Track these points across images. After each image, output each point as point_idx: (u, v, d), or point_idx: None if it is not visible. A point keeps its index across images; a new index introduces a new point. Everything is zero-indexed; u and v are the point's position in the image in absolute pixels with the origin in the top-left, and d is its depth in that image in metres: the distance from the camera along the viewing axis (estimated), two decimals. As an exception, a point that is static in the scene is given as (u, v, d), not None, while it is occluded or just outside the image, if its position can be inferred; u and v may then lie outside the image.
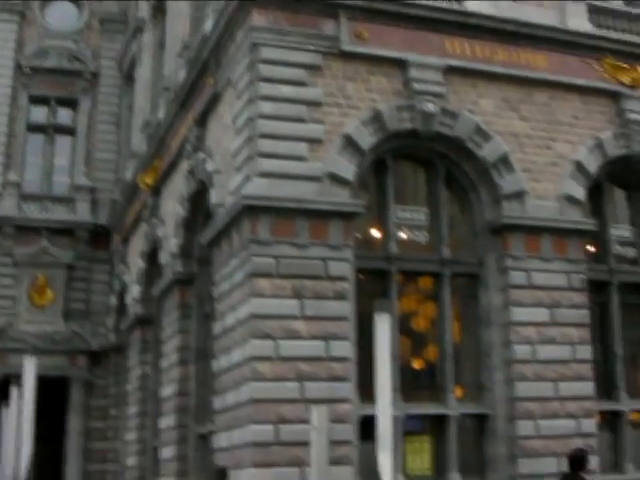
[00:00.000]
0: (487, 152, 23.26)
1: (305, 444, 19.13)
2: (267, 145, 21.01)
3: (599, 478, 22.48)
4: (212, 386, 23.51)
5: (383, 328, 16.43)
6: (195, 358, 26.75)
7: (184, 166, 27.09)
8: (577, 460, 12.40)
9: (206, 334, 25.93)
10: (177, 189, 28.25)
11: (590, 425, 22.98)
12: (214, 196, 23.68)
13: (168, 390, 27.90)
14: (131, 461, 33.45)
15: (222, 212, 22.36)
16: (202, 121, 25.51)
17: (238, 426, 20.53)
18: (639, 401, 25.02)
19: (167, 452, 27.55)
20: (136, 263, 34.34)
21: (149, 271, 32.52)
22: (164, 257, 29.46)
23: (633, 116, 25.25)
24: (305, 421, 19.36)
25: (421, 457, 22.31)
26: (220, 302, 22.52)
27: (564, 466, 21.67)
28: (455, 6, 23.78)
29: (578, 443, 22.19)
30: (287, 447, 19.67)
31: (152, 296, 31.34)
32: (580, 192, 24.22)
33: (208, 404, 24.86)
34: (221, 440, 21.79)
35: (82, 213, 41.03)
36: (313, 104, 21.67)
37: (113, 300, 39.04)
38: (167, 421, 27.79)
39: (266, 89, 21.37)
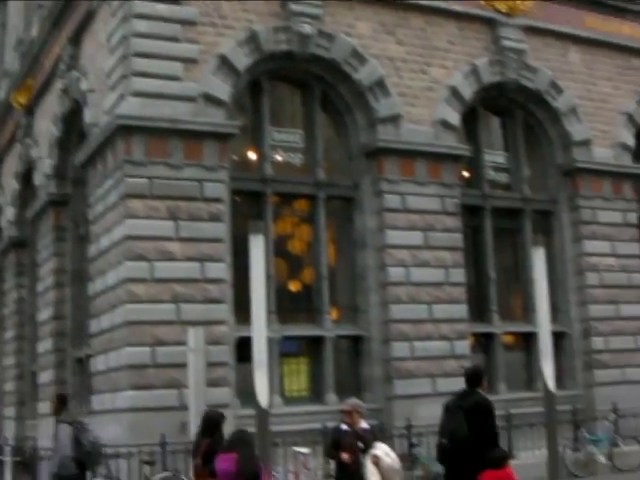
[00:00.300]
0: (363, 75, 23.30)
1: (182, 366, 19.34)
2: (141, 64, 20.66)
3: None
4: (88, 309, 23.31)
5: (257, 249, 16.50)
6: (71, 281, 26.43)
7: (58, 85, 26.44)
8: (474, 377, 12.74)
9: (82, 257, 25.62)
10: (51, 109, 27.61)
11: (464, 347, 23.58)
12: (88, 116, 23.25)
13: (45, 314, 27.56)
14: (9, 386, 33.05)
15: (96, 132, 22.00)
16: (76, 39, 24.85)
17: (114, 349, 20.46)
18: (511, 324, 25.78)
19: (45, 376, 27.28)
20: (10, 184, 33.56)
21: (23, 193, 31.82)
22: (38, 178, 28.89)
23: (508, 43, 25.59)
24: (181, 343, 19.51)
25: (298, 378, 22.62)
26: (95, 224, 22.26)
27: (439, 387, 22.42)
28: None
29: (452, 364, 22.88)
30: (163, 369, 19.73)
31: (27, 218, 30.79)
32: (455, 117, 24.52)
33: (85, 327, 24.63)
34: (98, 363, 21.69)
35: (-46, 134, 39.71)
36: (188, 23, 21.34)
37: (-13, 223, 38.19)
38: (44, 345, 27.48)
39: (140, 7, 20.94)
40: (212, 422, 11.02)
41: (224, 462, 10.00)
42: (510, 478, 11.08)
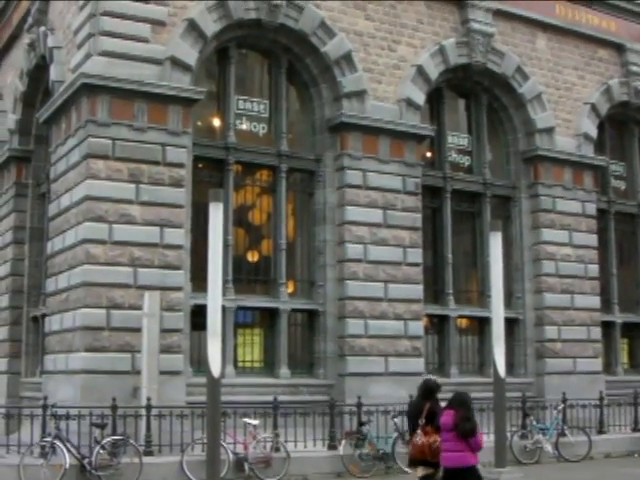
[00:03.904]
0: (330, 48, 23.20)
1: (136, 330, 19.32)
2: (109, 23, 20.44)
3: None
4: (46, 268, 23.20)
5: (217, 217, 16.44)
6: (30, 239, 26.20)
7: (25, 40, 26.05)
8: None
9: (42, 215, 25.58)
10: (17, 63, 27.29)
11: (418, 328, 23.68)
12: (54, 72, 22.89)
13: (2, 270, 27.21)
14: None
15: (61, 89, 21.68)
16: (45, -7, 24.51)
17: (69, 309, 20.32)
18: (466, 307, 25.93)
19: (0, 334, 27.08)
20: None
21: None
22: (1, 133, 28.51)
23: (477, 26, 25.60)
24: (137, 307, 19.48)
25: (251, 350, 22.62)
26: (56, 182, 22.03)
27: (391, 366, 22.56)
28: None
29: (405, 345, 22.98)
30: (118, 332, 19.65)
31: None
32: (420, 97, 24.52)
33: (42, 286, 24.63)
34: (53, 323, 21.51)
35: None
36: (158, -16, 21.16)
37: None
38: (0, 302, 27.23)
39: (111, -34, 20.71)
40: (429, 389, 12.82)
41: (445, 417, 12.09)
42: None
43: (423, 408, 12.44)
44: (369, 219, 23.23)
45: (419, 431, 12.33)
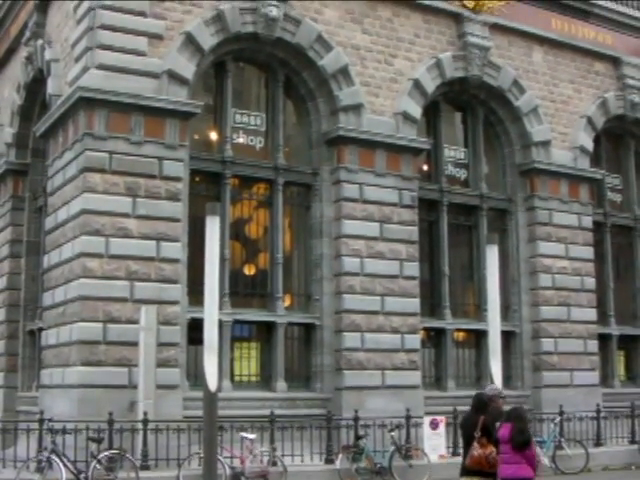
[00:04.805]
0: (327, 62, 23.25)
1: (133, 344, 19.30)
2: (107, 37, 20.48)
3: (421, 393, 23.28)
4: (42, 282, 23.17)
5: (213, 231, 16.47)
6: (26, 252, 26.14)
7: (22, 53, 26.07)
8: None
9: (38, 228, 25.57)
10: (14, 76, 27.35)
11: (414, 341, 23.66)
12: (51, 86, 22.92)
13: (-2, 284, 27.32)
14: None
15: (58, 103, 21.70)
16: (43, 7, 24.39)
17: (66, 323, 20.29)
18: (463, 320, 25.94)
19: (-4, 347, 27.06)
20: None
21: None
22: (-3, 146, 28.63)
23: (473, 39, 25.66)
24: (133, 321, 19.46)
25: (248, 363, 22.59)
26: (53, 196, 22.02)
27: (387, 379, 22.55)
28: None
29: (402, 358, 22.97)
30: (114, 346, 19.63)
31: (-17, 187, 30.47)
32: (417, 110, 24.56)
33: (38, 300, 24.56)
34: (49, 337, 21.47)
35: None
36: (155, -2, 21.19)
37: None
38: (-4, 316, 27.24)
39: (108, -21, 20.72)
40: (482, 402, 13.14)
41: (502, 429, 12.55)
42: None
43: (477, 421, 12.86)
44: (366, 232, 23.23)
45: (475, 443, 12.74)
